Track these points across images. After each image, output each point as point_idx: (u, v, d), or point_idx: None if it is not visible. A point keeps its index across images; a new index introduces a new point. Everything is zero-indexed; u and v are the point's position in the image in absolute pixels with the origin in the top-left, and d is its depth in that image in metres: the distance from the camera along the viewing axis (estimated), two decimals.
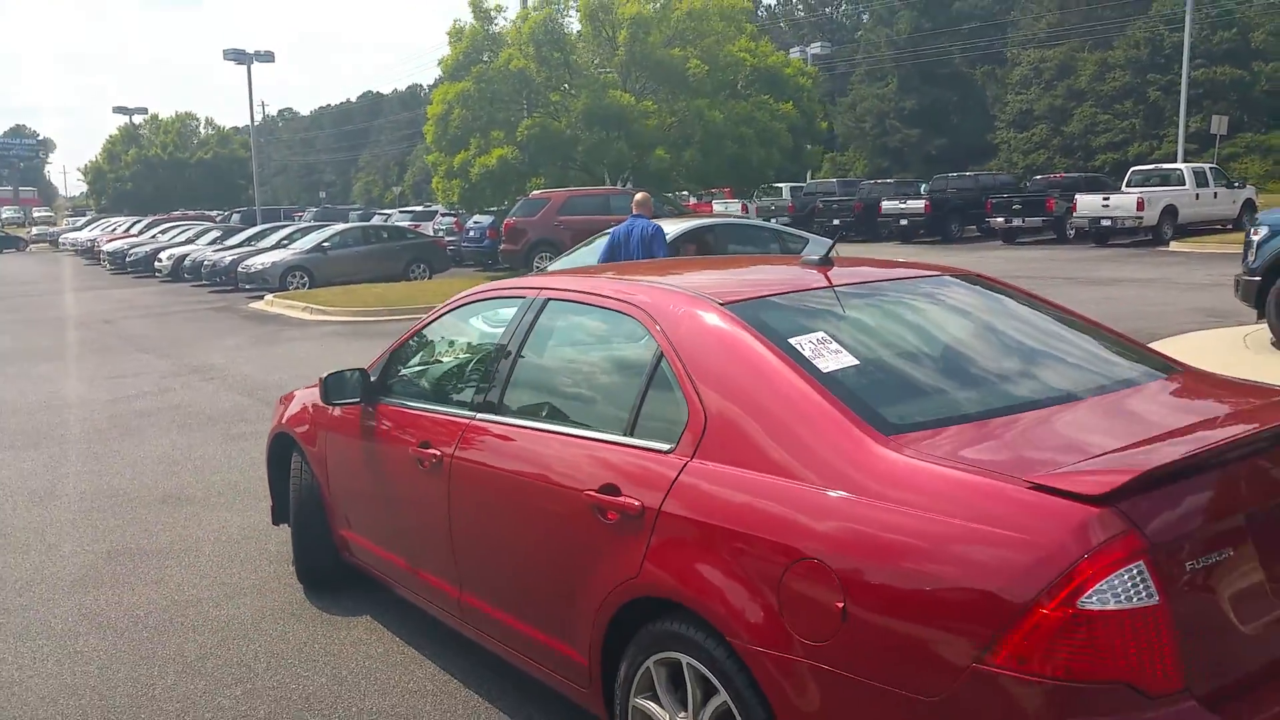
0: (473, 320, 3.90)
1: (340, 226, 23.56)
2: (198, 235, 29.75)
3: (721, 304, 2.79)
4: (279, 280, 20.61)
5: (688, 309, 2.83)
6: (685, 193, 27.72)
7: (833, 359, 2.56)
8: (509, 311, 3.53)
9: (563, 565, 2.88)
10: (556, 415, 3.19)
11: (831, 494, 2.23)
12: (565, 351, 3.43)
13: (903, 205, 27.89)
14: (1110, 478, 1.94)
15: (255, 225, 29.70)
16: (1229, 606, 2.02)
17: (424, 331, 4.04)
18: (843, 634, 2.11)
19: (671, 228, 10.42)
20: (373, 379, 3.99)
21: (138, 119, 62.39)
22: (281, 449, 4.72)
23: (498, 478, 3.17)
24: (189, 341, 14.08)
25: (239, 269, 21.57)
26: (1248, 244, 9.21)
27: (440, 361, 3.98)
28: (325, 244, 21.61)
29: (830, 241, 3.69)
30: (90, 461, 7.24)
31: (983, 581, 1.94)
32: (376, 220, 30.05)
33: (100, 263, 34.19)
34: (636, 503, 2.60)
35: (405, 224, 26.67)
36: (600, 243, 10.21)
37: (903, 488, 2.14)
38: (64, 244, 46.81)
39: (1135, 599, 1.86)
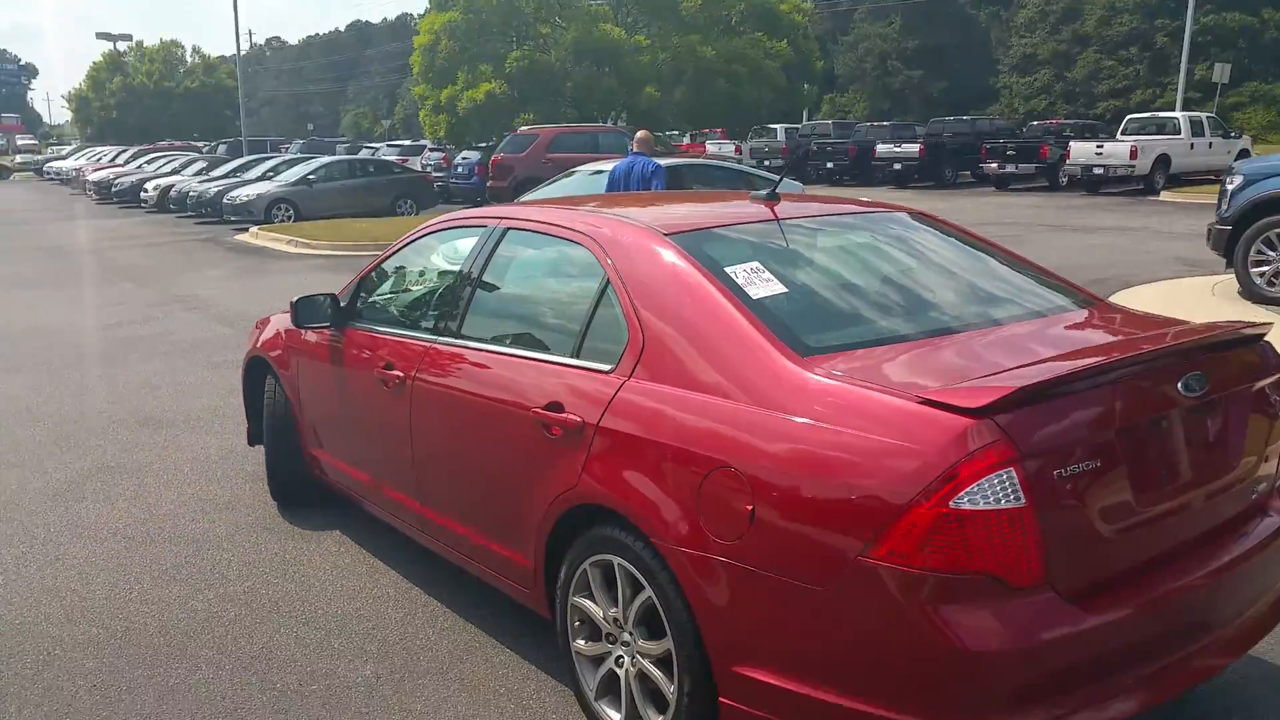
0: (437, 248, 4.08)
1: (326, 160, 23.48)
2: (184, 166, 29.58)
3: (666, 235, 2.98)
4: (264, 213, 20.63)
5: (635, 239, 3.02)
6: (675, 132, 27.57)
7: (763, 286, 2.76)
8: (471, 240, 3.72)
9: (512, 478, 3.11)
10: (510, 338, 3.39)
11: (746, 408, 2.45)
12: (521, 278, 3.63)
13: (897, 149, 27.84)
14: (988, 393, 2.16)
15: (241, 157, 29.53)
16: (1094, 512, 2.25)
17: (392, 259, 4.23)
18: (751, 534, 2.35)
19: None
20: (342, 305, 4.18)
21: (122, 46, 61.38)
22: (256, 372, 4.93)
23: (455, 397, 3.39)
24: (174, 272, 14.20)
25: (224, 200, 21.58)
26: (1222, 193, 9.36)
27: (407, 288, 4.17)
28: (311, 177, 21.58)
29: (778, 179, 3.85)
30: (74, 386, 7.45)
31: (870, 485, 2.18)
32: (364, 154, 29.87)
33: (86, 193, 33.97)
34: (577, 418, 2.83)
35: (393, 159, 26.55)
36: (576, 178, 10.33)
37: (810, 403, 2.36)
38: (49, 173, 46.39)
39: (1003, 501, 2.09)
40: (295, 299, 4.14)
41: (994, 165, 25.38)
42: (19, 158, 62.23)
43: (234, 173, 25.26)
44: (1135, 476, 2.33)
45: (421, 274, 4.14)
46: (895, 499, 2.12)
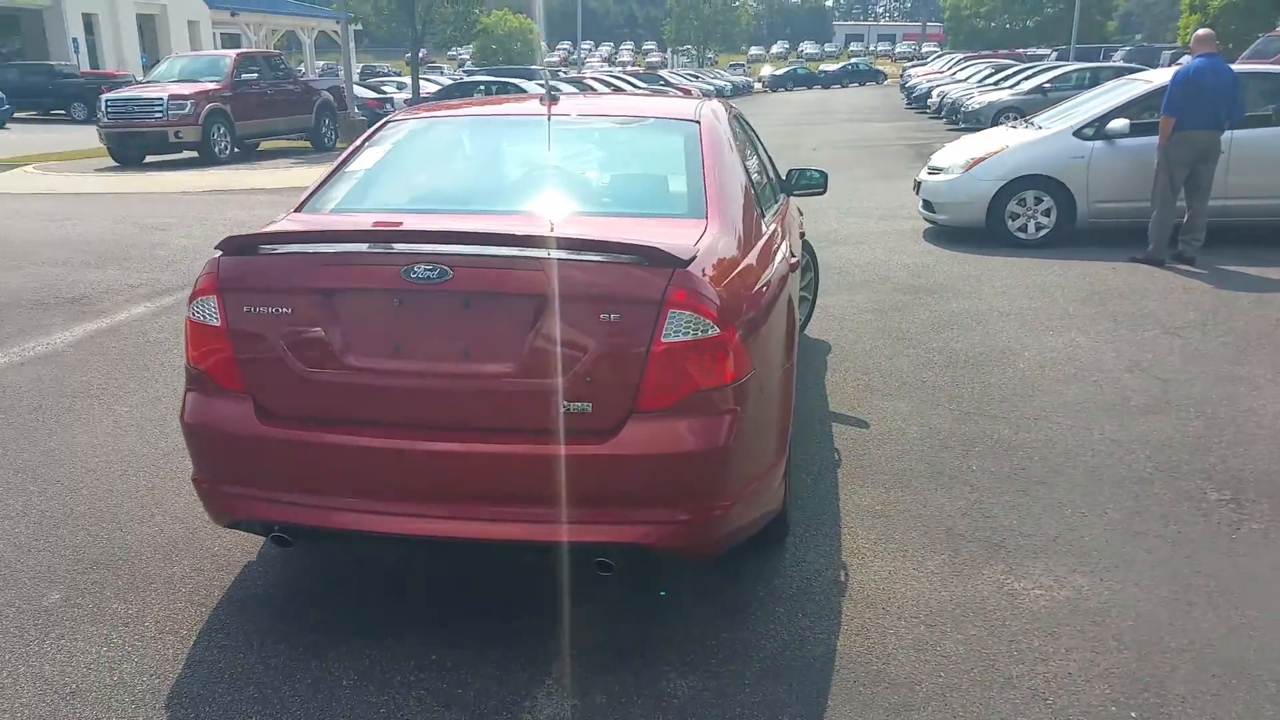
0: None
1: (1067, 68, 22.74)
2: (976, 74, 31.15)
3: (411, 113, 3.95)
4: (992, 120, 21.18)
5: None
6: None
7: (366, 160, 3.60)
8: None
9: None
10: None
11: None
12: None
13: None
14: (229, 241, 2.84)
15: (1066, 63, 29.75)
16: (291, 353, 2.75)
17: None
18: None
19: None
20: None
21: None
22: None
23: None
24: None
25: (960, 107, 22.70)
26: None
27: None
28: (1046, 86, 21.32)
29: None
30: None
31: None
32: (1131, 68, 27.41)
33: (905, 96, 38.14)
34: None
35: (1141, 67, 24.06)
36: (1123, 82, 9.35)
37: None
38: (904, 76, 52.41)
39: (207, 318, 2.82)
40: None
41: None
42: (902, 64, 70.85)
43: (1003, 81, 25.97)
44: (344, 337, 2.73)
45: None
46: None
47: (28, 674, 2.81)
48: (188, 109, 16.63)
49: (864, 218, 11.23)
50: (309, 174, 14.51)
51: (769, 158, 5.33)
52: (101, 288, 7.71)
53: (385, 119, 3.95)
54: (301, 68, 48.10)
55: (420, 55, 72.04)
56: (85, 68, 36.32)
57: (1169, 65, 27.45)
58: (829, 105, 39.40)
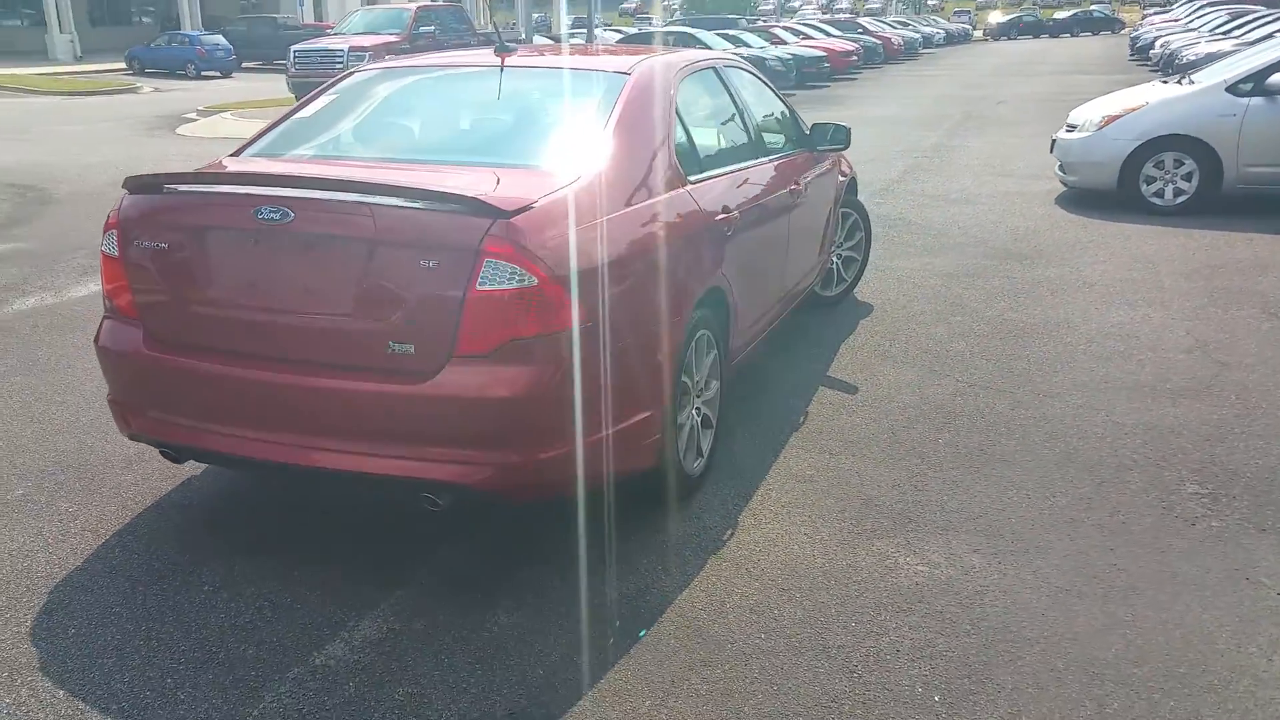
0: None
1: None
2: (1209, 22, 28.34)
3: (374, 66, 4.16)
4: None
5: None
6: None
7: (310, 110, 3.82)
8: None
9: None
10: None
11: None
12: None
13: None
14: (136, 181, 3.13)
15: None
16: (171, 284, 3.02)
17: None
18: None
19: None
20: None
21: None
22: None
23: None
24: (1013, 132, 15.40)
25: (1176, 58, 20.84)
26: None
27: None
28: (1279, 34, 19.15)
29: None
30: None
31: None
32: None
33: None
34: None
35: None
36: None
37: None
38: (1139, 26, 48.28)
39: (109, 250, 3.14)
40: None
41: None
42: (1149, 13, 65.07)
43: (1235, 29, 23.54)
44: (210, 271, 2.98)
45: None
46: None
47: None
48: (366, 60, 17.65)
49: (1005, 177, 10.66)
50: None
51: (792, 115, 5.21)
52: None
53: (351, 69, 4.17)
54: (513, 22, 49.70)
55: (634, 6, 72.56)
56: (309, 20, 38.99)
57: None
58: (1045, 56, 36.95)
